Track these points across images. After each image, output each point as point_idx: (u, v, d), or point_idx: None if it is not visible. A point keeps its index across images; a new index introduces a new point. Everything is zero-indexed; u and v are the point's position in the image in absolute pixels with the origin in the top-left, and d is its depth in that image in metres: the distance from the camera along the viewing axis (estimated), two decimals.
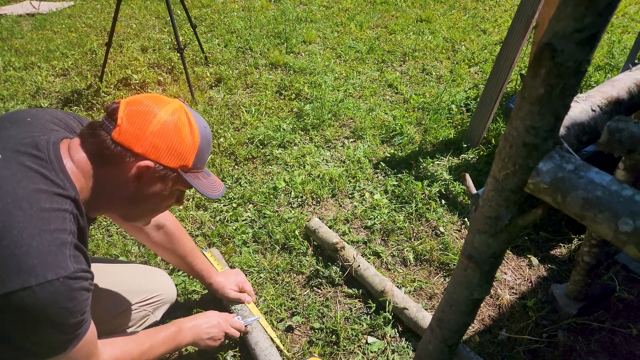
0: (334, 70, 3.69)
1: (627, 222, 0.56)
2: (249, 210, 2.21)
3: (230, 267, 1.87)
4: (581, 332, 1.57)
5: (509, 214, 0.74)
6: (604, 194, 0.59)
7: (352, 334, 1.60)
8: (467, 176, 0.85)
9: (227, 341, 1.50)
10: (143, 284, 1.48)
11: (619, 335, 1.54)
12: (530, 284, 1.81)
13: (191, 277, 1.71)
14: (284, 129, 2.85)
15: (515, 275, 1.85)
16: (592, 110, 0.78)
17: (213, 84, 3.52)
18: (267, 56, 3.98)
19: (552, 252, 1.96)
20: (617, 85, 0.84)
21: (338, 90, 3.37)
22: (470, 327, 1.64)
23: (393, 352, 1.55)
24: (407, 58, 3.95)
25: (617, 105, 0.81)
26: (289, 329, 1.64)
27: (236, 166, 2.56)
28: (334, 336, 1.60)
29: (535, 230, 2.04)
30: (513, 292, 1.77)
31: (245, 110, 3.10)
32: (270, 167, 2.54)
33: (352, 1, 5.68)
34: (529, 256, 1.93)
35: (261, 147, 2.70)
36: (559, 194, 0.63)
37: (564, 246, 1.98)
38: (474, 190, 0.84)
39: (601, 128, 0.78)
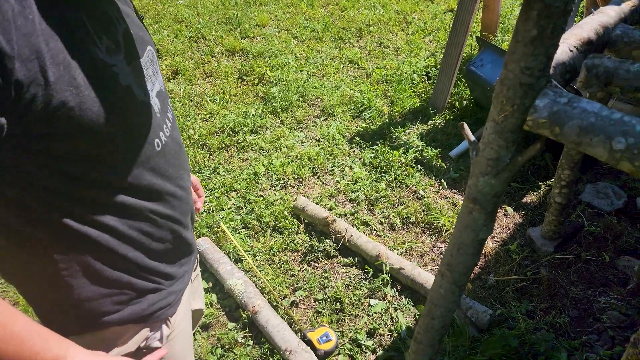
0: (294, 51, 3.68)
1: (620, 141, 0.64)
2: (232, 198, 2.21)
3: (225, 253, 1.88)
4: (560, 266, 1.72)
5: (509, 153, 0.81)
6: (597, 120, 0.67)
7: (354, 299, 1.67)
8: (465, 125, 0.91)
9: None
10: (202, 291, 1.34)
11: (593, 264, 1.71)
12: (509, 231, 1.94)
13: None
14: (253, 115, 2.84)
15: (494, 225, 1.98)
16: (570, 51, 0.86)
17: (170, 77, 3.43)
18: (221, 43, 3.90)
19: (523, 200, 2.11)
20: (586, 28, 0.93)
21: (301, 71, 3.38)
22: None
23: (395, 309, 1.63)
24: (363, 33, 4.00)
25: (589, 45, 0.90)
26: (294, 304, 1.68)
27: (211, 156, 2.54)
28: (338, 304, 1.66)
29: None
30: (495, 241, 1.90)
31: (210, 100, 3.05)
32: (246, 153, 2.53)
33: None
34: (504, 206, 2.06)
35: (233, 134, 2.68)
36: (556, 126, 0.71)
37: (533, 193, 2.13)
38: (472, 138, 0.90)
39: (579, 67, 0.86)
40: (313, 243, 1.89)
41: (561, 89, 0.73)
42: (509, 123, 0.78)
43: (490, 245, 1.87)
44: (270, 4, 4.85)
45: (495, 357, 1.39)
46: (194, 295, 1.14)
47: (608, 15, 1.00)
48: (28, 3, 0.50)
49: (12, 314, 0.56)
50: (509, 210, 2.04)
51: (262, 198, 2.18)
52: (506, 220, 2.00)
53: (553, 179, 1.94)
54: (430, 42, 3.77)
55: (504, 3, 4.28)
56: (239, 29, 4.16)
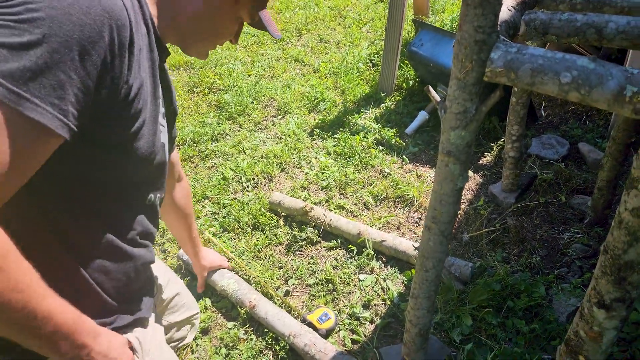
0: (238, 57, 3.70)
1: (566, 75, 0.76)
2: (206, 206, 2.21)
3: None
4: (524, 213, 1.89)
5: (474, 105, 0.91)
6: (545, 61, 0.78)
7: (345, 277, 1.74)
8: (430, 87, 1.01)
9: None
10: (191, 298, 1.44)
11: (552, 207, 1.89)
12: (473, 192, 2.09)
13: (178, 244, 1.73)
14: (210, 123, 2.84)
15: None
16: (509, 10, 0.98)
17: None
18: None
19: (480, 162, 2.28)
20: None
21: (249, 75, 3.41)
22: None
23: (384, 280, 1.72)
24: (302, 32, 4.08)
25: (524, 4, 1.03)
26: (287, 293, 1.73)
27: None
28: (330, 285, 1.72)
29: None
30: (463, 202, 2.05)
31: None
32: (210, 161, 2.53)
33: None
34: None
35: (194, 145, 2.67)
36: (512, 72, 0.81)
37: (487, 155, 2.30)
38: (438, 98, 1.00)
39: (519, 23, 0.98)
40: (295, 233, 1.94)
41: (510, 42, 0.84)
42: (470, 77, 0.88)
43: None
44: None
45: (483, 302, 1.52)
46: (173, 309, 1.33)
47: None
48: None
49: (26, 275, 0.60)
50: (470, 173, 2.20)
51: (236, 200, 2.19)
52: (468, 183, 2.16)
53: (503, 139, 2.12)
54: (368, 31, 3.92)
55: None
56: None
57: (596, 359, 1.00)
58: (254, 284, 1.75)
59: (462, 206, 2.02)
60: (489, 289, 1.53)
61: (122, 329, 0.86)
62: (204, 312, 1.66)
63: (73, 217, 0.75)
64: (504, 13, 0.95)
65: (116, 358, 0.74)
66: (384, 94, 2.87)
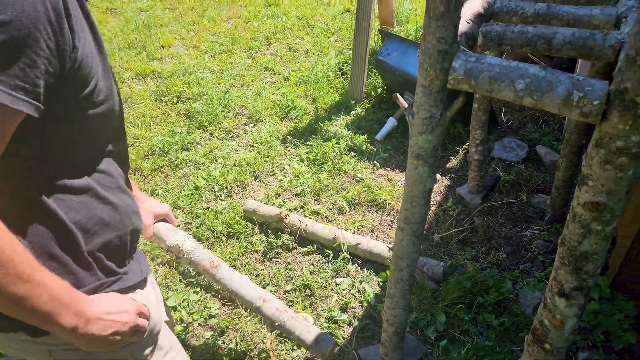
0: (207, 66, 3.69)
1: (520, 82, 0.82)
2: (179, 216, 2.19)
3: (183, 270, 1.87)
4: (489, 213, 1.98)
5: (439, 110, 0.97)
6: (501, 69, 0.84)
7: (322, 282, 1.77)
8: (398, 95, 1.06)
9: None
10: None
11: (514, 206, 1.99)
12: (441, 194, 2.18)
13: None
14: (180, 132, 2.82)
15: None
16: (467, 22, 1.05)
17: None
18: (129, 68, 3.78)
19: (447, 165, 2.37)
20: (477, 3, 1.13)
21: (219, 84, 3.41)
22: None
23: (360, 282, 1.76)
24: (271, 41, 4.12)
25: (481, 17, 1.10)
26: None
27: (146, 179, 2.48)
28: (307, 290, 1.75)
29: None
30: (432, 204, 2.12)
31: (131, 125, 2.96)
32: (181, 170, 2.51)
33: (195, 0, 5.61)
34: None
35: (164, 155, 2.64)
36: (472, 80, 0.87)
37: (454, 158, 2.40)
38: (406, 105, 1.05)
39: (476, 34, 1.05)
40: (271, 240, 1.95)
41: (469, 52, 0.90)
42: (435, 85, 0.94)
43: (429, 209, 2.08)
44: (171, 24, 4.79)
45: (455, 299, 1.58)
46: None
47: None
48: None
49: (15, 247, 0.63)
50: (437, 176, 2.28)
51: (209, 209, 2.19)
52: (437, 185, 2.24)
53: (468, 143, 2.22)
54: (336, 41, 4.00)
55: None
56: (144, 52, 4.06)
57: (560, 345, 1.07)
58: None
59: (432, 208, 2.10)
60: (460, 287, 1.60)
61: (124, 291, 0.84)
62: (178, 324, 1.65)
63: (44, 180, 0.74)
64: (463, 25, 1.02)
65: (119, 312, 0.77)
66: (353, 102, 2.94)
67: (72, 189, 0.77)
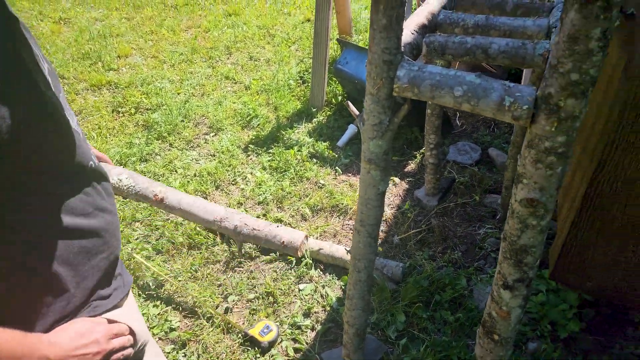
0: (166, 76, 3.64)
1: (458, 89, 0.88)
2: (137, 229, 2.14)
3: (142, 284, 1.83)
4: (445, 214, 2.06)
5: (387, 117, 1.02)
6: (441, 77, 0.90)
7: (285, 289, 1.78)
8: (349, 103, 1.10)
9: None
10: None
11: (468, 206, 2.08)
12: (400, 197, 2.24)
13: None
14: (138, 144, 2.76)
15: (388, 195, 2.27)
16: (412, 34, 1.11)
17: None
18: (83, 79, 3.67)
19: (405, 170, 2.45)
20: (420, 15, 1.19)
21: (178, 94, 3.37)
22: None
23: (323, 287, 1.78)
24: (231, 50, 4.12)
25: (425, 28, 1.16)
26: (228, 310, 1.73)
27: None
28: (270, 297, 1.75)
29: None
30: (391, 207, 2.19)
31: (87, 138, 2.87)
32: None
33: (153, 9, 5.51)
34: (392, 178, 2.37)
35: (121, 166, 2.57)
36: (415, 88, 0.93)
37: (412, 163, 2.48)
38: (357, 112, 1.09)
39: (420, 45, 1.11)
40: (233, 249, 1.95)
41: (412, 61, 0.95)
42: (382, 93, 0.98)
43: (388, 212, 2.14)
44: (128, 34, 4.69)
45: (414, 298, 1.63)
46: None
47: (433, 4, 1.30)
48: None
49: None
50: (397, 180, 2.35)
51: (169, 221, 2.15)
52: (396, 189, 2.31)
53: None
54: (296, 50, 4.05)
55: (353, 8, 4.79)
56: (100, 62, 3.95)
57: (507, 335, 1.13)
58: (192, 304, 1.73)
59: (392, 211, 2.16)
60: (418, 286, 1.65)
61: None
62: None
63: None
64: (408, 36, 1.08)
65: (88, 344, 0.72)
66: (315, 109, 2.99)
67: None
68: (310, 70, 3.12)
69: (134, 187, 1.32)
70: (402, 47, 1.08)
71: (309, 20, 4.65)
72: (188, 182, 2.40)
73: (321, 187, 2.33)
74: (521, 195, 0.91)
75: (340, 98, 3.03)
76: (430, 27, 1.19)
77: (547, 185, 0.88)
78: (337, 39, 2.97)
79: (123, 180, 1.31)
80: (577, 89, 0.76)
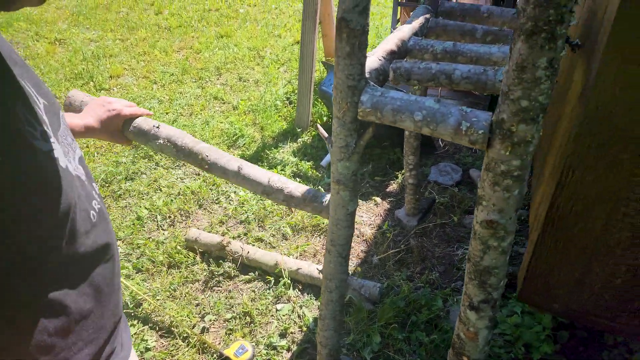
0: (156, 96, 3.68)
1: (417, 114, 0.91)
2: (119, 247, 2.13)
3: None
4: (424, 234, 2.08)
5: (353, 139, 1.05)
6: (402, 103, 0.93)
7: (262, 309, 1.77)
8: (319, 125, 1.13)
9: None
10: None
11: (448, 227, 2.10)
12: (381, 217, 2.26)
13: None
14: (124, 162, 2.77)
15: (369, 215, 2.28)
16: (379, 60, 1.15)
17: None
18: None
19: (387, 190, 2.47)
20: (390, 42, 1.24)
21: (167, 113, 3.40)
22: (351, 263, 1.99)
23: (301, 307, 1.78)
24: (221, 71, 4.18)
25: (393, 54, 1.20)
26: (205, 330, 1.71)
27: None
28: (247, 317, 1.74)
29: (371, 177, 2.53)
30: (372, 227, 2.20)
31: None
32: (124, 200, 2.46)
33: (146, 30, 5.60)
34: (373, 198, 2.39)
35: (107, 185, 2.58)
36: (378, 112, 0.96)
37: (393, 183, 2.51)
38: (326, 134, 1.12)
39: (388, 70, 1.15)
40: (212, 269, 1.94)
41: (376, 87, 0.99)
42: (347, 117, 1.01)
43: (369, 231, 2.16)
44: (122, 54, 4.75)
45: (390, 319, 1.63)
46: None
47: (403, 31, 1.34)
48: None
49: None
50: (378, 200, 2.38)
51: (150, 240, 2.15)
52: (377, 209, 2.33)
53: None
54: (285, 71, 4.12)
55: None
56: (92, 82, 3.99)
57: (476, 357, 1.14)
58: (169, 323, 1.72)
59: (372, 231, 2.17)
60: (395, 307, 1.66)
61: None
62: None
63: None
64: (375, 62, 1.12)
65: None
66: (300, 130, 3.02)
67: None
68: (297, 91, 3.18)
69: (182, 138, 1.20)
70: (369, 73, 1.11)
71: (298, 42, 4.74)
72: (171, 200, 2.41)
73: None
74: (481, 217, 0.94)
75: (325, 119, 3.08)
76: (399, 53, 1.24)
77: (506, 207, 0.91)
78: (322, 62, 3.04)
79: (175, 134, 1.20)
80: (528, 115, 0.79)
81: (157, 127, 1.18)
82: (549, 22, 0.71)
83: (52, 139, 0.61)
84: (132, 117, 1.16)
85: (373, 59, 1.13)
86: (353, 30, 0.90)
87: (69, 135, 0.71)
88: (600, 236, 0.99)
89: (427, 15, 1.51)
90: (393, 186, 2.48)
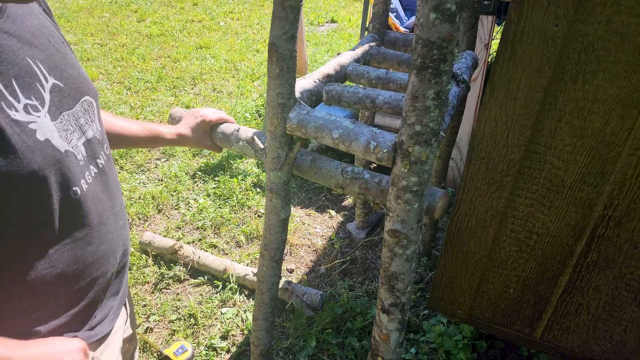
0: (128, 102, 3.73)
1: (335, 132, 1.03)
2: None
3: None
4: (370, 247, 2.18)
5: (284, 151, 1.15)
6: (323, 121, 1.05)
7: (207, 312, 1.83)
8: (255, 137, 1.23)
9: None
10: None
11: None
12: (333, 229, 2.37)
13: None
14: None
15: (322, 227, 2.38)
16: (314, 82, 1.26)
17: None
18: None
19: (343, 203, 2.58)
20: (328, 66, 1.36)
21: (137, 119, 3.45)
22: (299, 272, 2.08)
23: (245, 311, 1.85)
24: (196, 81, 4.27)
25: (329, 78, 1.33)
26: (148, 330, 1.76)
27: None
28: (192, 319, 1.80)
29: (328, 191, 2.64)
30: (323, 238, 2.30)
31: None
32: None
33: (127, 37, 5.66)
34: (328, 211, 2.50)
35: None
36: (303, 128, 1.07)
37: (348, 197, 2.63)
38: (261, 145, 1.22)
39: (322, 92, 1.27)
40: (163, 271, 2.00)
41: (304, 105, 1.10)
42: (278, 131, 1.12)
43: (320, 242, 2.25)
44: (99, 59, 4.80)
45: (327, 325, 1.72)
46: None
47: (344, 57, 1.47)
48: None
49: None
50: (333, 213, 2.48)
51: None
52: (331, 221, 2.43)
53: None
54: (259, 85, 4.25)
55: (309, 51, 5.09)
56: None
57: (390, 358, 1.24)
58: None
59: (323, 242, 2.27)
60: (332, 313, 1.75)
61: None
62: None
63: None
64: (309, 84, 1.23)
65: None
66: None
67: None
68: (265, 104, 3.29)
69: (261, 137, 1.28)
70: (301, 93, 1.23)
71: None
72: (131, 204, 2.46)
73: (260, 216, 2.43)
74: (388, 226, 1.05)
75: None
76: (336, 77, 1.36)
77: (407, 218, 1.02)
78: None
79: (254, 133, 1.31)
80: (421, 138, 0.92)
81: (237, 131, 1.28)
82: (433, 60, 0.83)
83: (42, 113, 0.69)
84: (219, 123, 1.29)
85: (309, 81, 1.24)
86: (281, 55, 1.02)
87: (84, 117, 0.78)
88: (492, 249, 1.11)
89: (372, 43, 1.65)
90: (348, 200, 2.60)
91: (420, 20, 0.80)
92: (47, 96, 0.71)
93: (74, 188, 0.72)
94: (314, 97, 1.23)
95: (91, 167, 0.79)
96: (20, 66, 0.67)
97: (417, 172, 0.96)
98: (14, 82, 0.65)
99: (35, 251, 0.70)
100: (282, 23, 0.98)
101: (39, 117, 0.68)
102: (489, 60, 2.72)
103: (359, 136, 1.01)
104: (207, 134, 1.28)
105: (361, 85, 1.41)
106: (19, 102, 0.65)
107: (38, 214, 0.68)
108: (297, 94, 1.18)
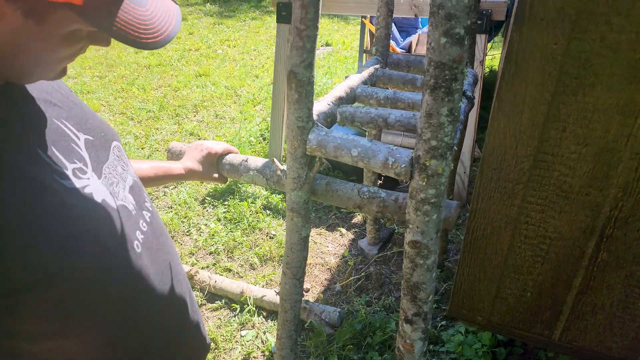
0: (132, 132, 3.80)
1: (354, 150, 1.09)
2: None
3: None
4: (384, 262, 2.22)
5: (304, 171, 1.21)
6: (342, 141, 1.11)
7: (227, 335, 1.85)
8: (275, 159, 1.29)
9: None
10: None
11: None
12: (345, 247, 2.40)
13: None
14: None
15: (334, 245, 2.42)
16: (328, 104, 1.33)
17: None
18: None
19: (352, 221, 2.63)
20: (339, 89, 1.43)
21: (142, 148, 3.52)
22: (315, 291, 2.10)
23: (264, 333, 1.87)
24: (198, 109, 4.36)
25: (341, 100, 1.40)
26: None
27: None
28: (212, 344, 1.82)
29: (337, 209, 2.69)
30: (336, 256, 2.33)
31: None
32: None
33: (126, 68, 5.79)
34: (339, 229, 2.54)
35: None
36: (323, 148, 1.13)
37: (358, 214, 2.67)
38: (281, 167, 1.28)
39: (335, 113, 1.34)
40: None
41: (322, 127, 1.17)
42: (298, 152, 1.18)
43: (333, 261, 2.29)
44: (99, 91, 4.90)
45: (347, 341, 1.74)
46: None
47: (353, 80, 1.55)
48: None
49: None
50: (343, 231, 2.52)
51: None
52: (342, 239, 2.47)
53: None
54: (261, 109, 4.34)
55: None
56: None
57: None
58: None
59: (336, 260, 2.30)
60: (352, 329, 1.77)
61: None
62: None
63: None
64: (324, 107, 1.30)
65: None
66: None
67: None
68: (270, 128, 3.36)
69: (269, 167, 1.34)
70: (317, 116, 1.30)
71: None
72: None
73: (272, 238, 2.47)
74: (408, 238, 1.09)
75: None
76: (347, 99, 1.43)
77: (427, 229, 1.07)
78: None
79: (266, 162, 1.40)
80: (437, 152, 0.97)
81: (246, 161, 1.31)
82: (445, 79, 0.90)
83: (89, 174, 0.65)
84: (224, 154, 1.31)
85: (323, 104, 1.31)
86: (300, 81, 1.08)
87: (120, 165, 0.75)
88: (508, 255, 1.16)
89: (377, 66, 1.73)
90: (358, 217, 2.64)
91: (432, 44, 0.87)
92: (85, 154, 0.67)
93: (135, 243, 0.69)
94: (329, 119, 1.30)
95: (143, 212, 0.76)
96: (52, 130, 0.62)
97: (434, 185, 1.02)
98: (54, 149, 0.60)
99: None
100: (300, 52, 1.05)
101: (89, 178, 0.64)
102: (485, 75, 2.83)
103: (377, 153, 1.07)
104: (214, 166, 1.29)
105: (369, 106, 1.49)
106: (66, 169, 0.60)
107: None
108: (315, 117, 1.25)
